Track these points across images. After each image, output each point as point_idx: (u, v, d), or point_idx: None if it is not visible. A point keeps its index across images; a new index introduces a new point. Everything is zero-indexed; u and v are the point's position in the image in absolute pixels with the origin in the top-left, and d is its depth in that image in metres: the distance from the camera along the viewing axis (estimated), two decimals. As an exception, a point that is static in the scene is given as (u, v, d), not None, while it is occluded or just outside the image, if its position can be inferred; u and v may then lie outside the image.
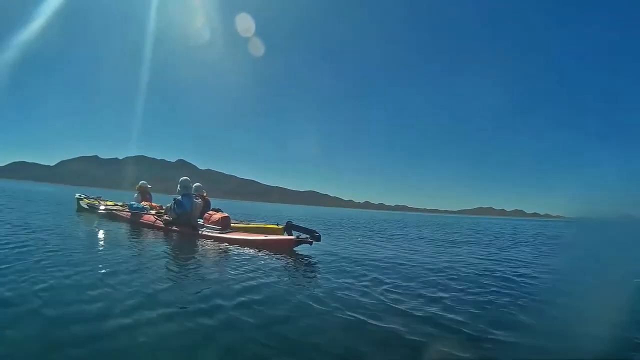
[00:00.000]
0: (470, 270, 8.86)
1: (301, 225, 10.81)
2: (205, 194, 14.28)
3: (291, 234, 10.65)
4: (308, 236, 10.25)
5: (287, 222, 11.11)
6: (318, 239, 10.22)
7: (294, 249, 10.17)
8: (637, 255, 5.87)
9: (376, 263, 9.07)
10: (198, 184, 14.05)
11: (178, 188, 12.58)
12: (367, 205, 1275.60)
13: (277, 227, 11.44)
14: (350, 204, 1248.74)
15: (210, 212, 12.59)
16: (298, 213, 51.90)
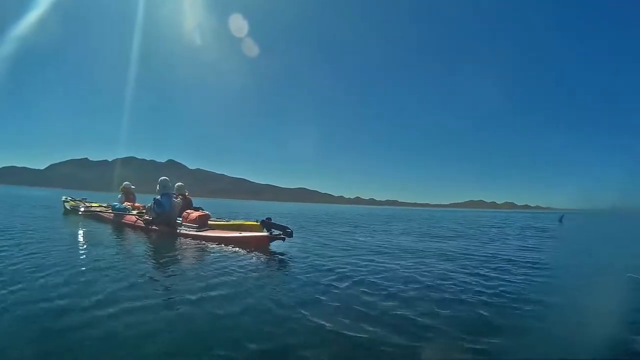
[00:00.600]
0: (441, 265, 8.88)
1: (275, 222, 10.79)
2: (187, 193, 14.41)
3: (269, 230, 10.64)
4: (281, 233, 10.29)
5: (263, 219, 11.06)
6: (290, 235, 10.28)
7: (270, 245, 10.29)
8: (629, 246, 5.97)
9: (349, 259, 9.13)
10: (180, 183, 14.24)
11: (157, 188, 12.76)
12: (357, 200, 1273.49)
13: (254, 223, 11.43)
14: (341, 199, 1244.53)
15: (188, 211, 12.78)
16: (286, 210, 52.03)
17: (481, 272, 8.05)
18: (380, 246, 12.19)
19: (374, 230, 19.77)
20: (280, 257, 9.14)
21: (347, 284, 6.44)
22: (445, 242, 14.64)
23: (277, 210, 49.04)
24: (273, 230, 10.56)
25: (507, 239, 17.61)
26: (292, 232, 10.39)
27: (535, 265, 9.29)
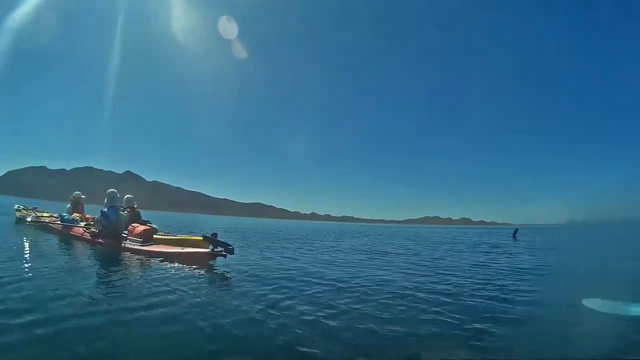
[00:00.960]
0: (374, 281, 9.01)
1: (218, 239, 10.75)
2: (135, 206, 14.27)
3: (216, 246, 10.58)
4: (222, 249, 10.30)
5: (205, 235, 11.04)
6: (232, 252, 10.31)
7: (214, 261, 10.33)
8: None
9: (290, 276, 9.14)
10: (129, 195, 14.18)
11: (105, 200, 12.76)
12: (313, 216, 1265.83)
13: (199, 238, 11.30)
14: (296, 215, 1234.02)
15: (134, 225, 12.66)
16: (240, 225, 51.49)
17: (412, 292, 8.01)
18: (324, 262, 12.35)
19: (321, 246, 19.84)
20: (220, 274, 9.15)
21: (285, 302, 6.48)
22: (391, 257, 15.01)
23: (230, 224, 48.71)
24: (216, 246, 10.52)
25: (454, 254, 17.84)
26: (233, 249, 10.40)
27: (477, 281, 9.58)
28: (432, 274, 10.65)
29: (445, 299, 7.27)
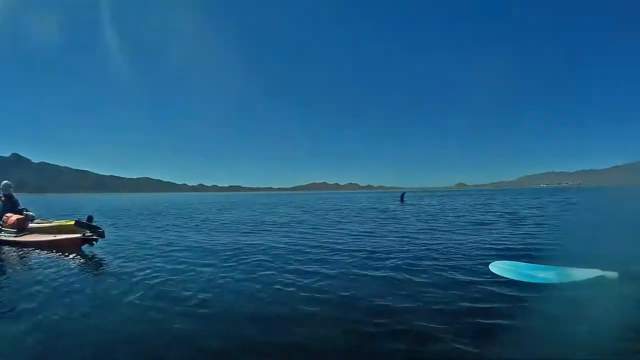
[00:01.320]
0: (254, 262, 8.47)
1: (90, 222, 10.22)
2: (12, 193, 13.19)
3: (88, 231, 10.04)
4: (92, 234, 9.90)
5: (77, 220, 10.45)
6: (102, 235, 9.94)
7: (90, 245, 9.93)
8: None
9: (160, 259, 8.65)
10: (6, 181, 13.11)
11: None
12: (200, 188, 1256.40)
13: (71, 223, 10.57)
14: (184, 188, 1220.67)
15: (7, 215, 11.66)
16: (127, 203, 49.87)
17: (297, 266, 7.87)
18: (199, 243, 11.54)
19: (203, 221, 19.56)
20: (90, 260, 8.79)
21: (152, 290, 6.10)
22: (272, 232, 14.20)
23: (117, 203, 47.09)
24: (87, 231, 10.03)
25: (343, 223, 17.59)
26: (103, 232, 10.02)
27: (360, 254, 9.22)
28: (321, 246, 10.44)
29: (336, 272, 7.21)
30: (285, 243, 11.05)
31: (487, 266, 6.81)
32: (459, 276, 6.60)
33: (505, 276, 5.54)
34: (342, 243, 10.95)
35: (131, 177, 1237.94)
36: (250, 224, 17.24)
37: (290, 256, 8.90)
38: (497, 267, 5.90)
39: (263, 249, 9.89)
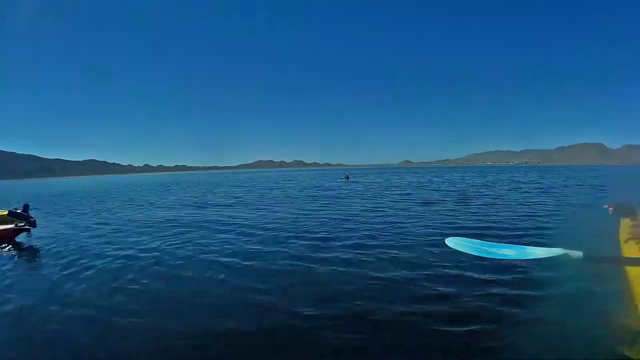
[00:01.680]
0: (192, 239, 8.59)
1: (19, 212, 10.03)
2: None
3: (26, 220, 9.82)
4: (25, 223, 9.60)
5: (10, 210, 10.19)
6: (34, 225, 9.70)
7: (23, 236, 9.70)
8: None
9: (100, 247, 8.18)
10: None
11: None
12: (146, 168, 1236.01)
13: (3, 214, 10.25)
14: (130, 169, 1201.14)
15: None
16: (73, 187, 48.86)
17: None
18: (141, 225, 11.22)
19: (147, 203, 18.89)
20: (24, 250, 8.51)
21: (85, 281, 5.67)
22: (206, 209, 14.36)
23: (62, 188, 46.22)
24: (20, 221, 9.74)
25: (282, 202, 17.53)
26: (35, 221, 9.86)
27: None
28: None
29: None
30: (225, 223, 10.80)
31: (441, 242, 6.31)
32: (411, 255, 6.49)
33: (463, 251, 4.96)
34: (280, 222, 10.83)
35: (77, 160, 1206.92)
36: (191, 206, 16.77)
37: (231, 237, 8.73)
38: (454, 242, 5.19)
39: (203, 229, 9.78)
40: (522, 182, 29.07)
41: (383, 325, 4.06)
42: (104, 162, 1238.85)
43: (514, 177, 40.15)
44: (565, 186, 23.81)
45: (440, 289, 4.80)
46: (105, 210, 15.85)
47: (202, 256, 6.95)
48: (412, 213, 11.96)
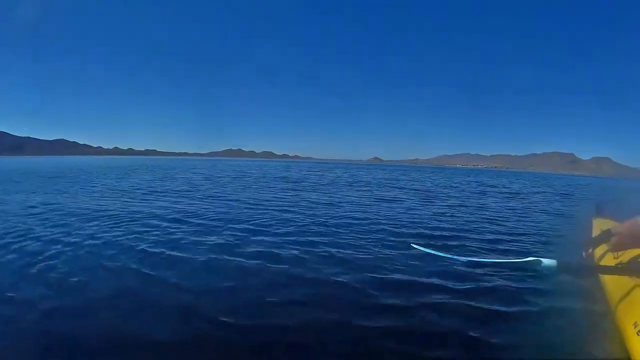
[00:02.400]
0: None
1: None
2: None
3: None
4: None
5: None
6: None
7: None
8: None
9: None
10: None
11: None
12: (116, 151, 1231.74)
13: None
14: (99, 150, 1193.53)
15: None
16: (38, 167, 44.76)
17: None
18: (82, 210, 10.12)
19: (93, 188, 17.31)
20: None
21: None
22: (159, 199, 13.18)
23: (29, 167, 44.46)
24: None
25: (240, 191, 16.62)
26: None
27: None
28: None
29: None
30: (172, 211, 10.04)
31: (400, 245, 6.43)
32: (363, 256, 5.87)
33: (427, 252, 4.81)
34: (223, 212, 10.17)
35: (47, 139, 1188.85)
36: (144, 191, 15.82)
37: (173, 227, 7.93)
38: (417, 249, 5.03)
39: (146, 218, 8.96)
40: (490, 185, 28.87)
41: (319, 336, 3.47)
42: (75, 142, 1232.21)
43: (483, 180, 39.94)
44: (537, 192, 23.93)
45: (390, 301, 4.12)
46: (57, 192, 14.89)
47: (118, 249, 6.09)
48: (372, 210, 11.36)
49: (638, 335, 2.49)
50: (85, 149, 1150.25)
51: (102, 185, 18.72)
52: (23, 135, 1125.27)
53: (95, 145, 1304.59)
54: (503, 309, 3.97)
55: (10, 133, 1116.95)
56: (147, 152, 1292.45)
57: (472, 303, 4.07)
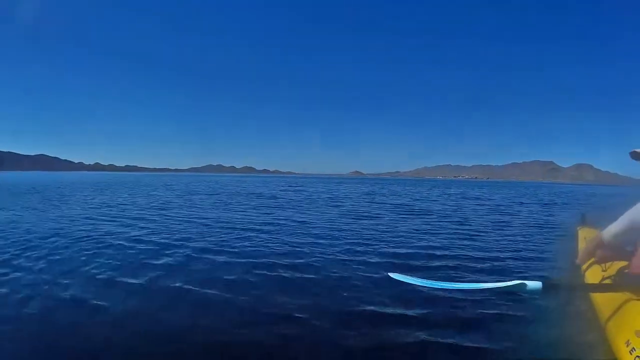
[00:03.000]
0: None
1: None
2: None
3: None
4: None
5: None
6: None
7: None
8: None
9: None
10: None
11: None
12: (96, 167, 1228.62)
13: None
14: (80, 166, 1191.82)
15: None
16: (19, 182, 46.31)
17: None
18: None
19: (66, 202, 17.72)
20: None
21: None
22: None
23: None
24: None
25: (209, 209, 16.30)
26: None
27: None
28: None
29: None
30: (131, 230, 9.75)
31: (376, 269, 6.01)
32: (333, 283, 5.37)
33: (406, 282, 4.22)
34: (189, 232, 9.54)
35: (28, 154, 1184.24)
36: (104, 208, 15.53)
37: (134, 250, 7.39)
38: (397, 276, 4.30)
39: (99, 237, 8.53)
40: (471, 198, 28.75)
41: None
42: (56, 157, 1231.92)
43: (464, 192, 39.71)
44: (518, 203, 23.80)
45: (357, 340, 3.58)
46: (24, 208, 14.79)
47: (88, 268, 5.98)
48: (347, 228, 10.71)
49: (631, 354, 2.36)
50: (67, 165, 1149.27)
51: (72, 202, 18.24)
52: (4, 150, 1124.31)
53: (76, 161, 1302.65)
54: (486, 345, 3.52)
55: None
56: (127, 168, 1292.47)
57: (451, 340, 3.61)
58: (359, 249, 7.75)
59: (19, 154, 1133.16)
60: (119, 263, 6.22)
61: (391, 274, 4.32)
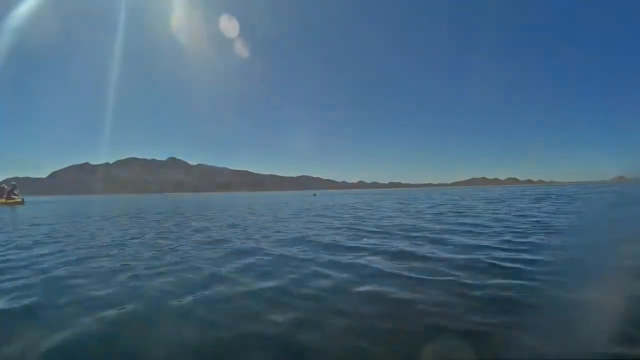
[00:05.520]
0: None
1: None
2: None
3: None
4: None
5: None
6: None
7: None
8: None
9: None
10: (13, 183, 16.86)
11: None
12: (360, 185, 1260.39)
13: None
14: (343, 185, 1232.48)
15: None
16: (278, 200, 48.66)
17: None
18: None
19: (325, 216, 17.85)
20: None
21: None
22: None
23: (270, 200, 47.53)
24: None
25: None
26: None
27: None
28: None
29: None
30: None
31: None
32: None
33: None
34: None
35: (290, 176, 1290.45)
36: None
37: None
38: None
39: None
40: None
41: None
42: (318, 178, 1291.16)
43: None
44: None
45: None
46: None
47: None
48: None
49: None
50: (329, 184, 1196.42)
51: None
52: (265, 173, 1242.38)
53: (338, 181, 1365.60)
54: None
55: (252, 171, 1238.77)
56: (391, 185, 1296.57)
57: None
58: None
59: (279, 176, 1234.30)
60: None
61: None
